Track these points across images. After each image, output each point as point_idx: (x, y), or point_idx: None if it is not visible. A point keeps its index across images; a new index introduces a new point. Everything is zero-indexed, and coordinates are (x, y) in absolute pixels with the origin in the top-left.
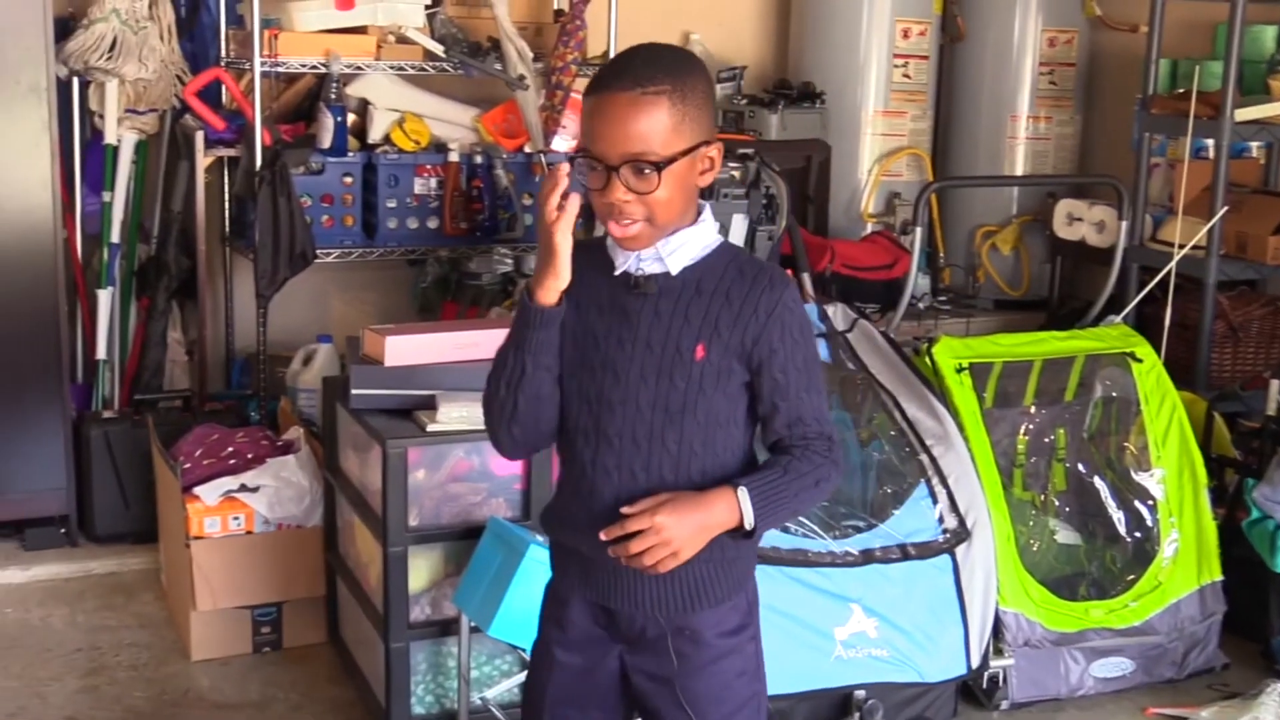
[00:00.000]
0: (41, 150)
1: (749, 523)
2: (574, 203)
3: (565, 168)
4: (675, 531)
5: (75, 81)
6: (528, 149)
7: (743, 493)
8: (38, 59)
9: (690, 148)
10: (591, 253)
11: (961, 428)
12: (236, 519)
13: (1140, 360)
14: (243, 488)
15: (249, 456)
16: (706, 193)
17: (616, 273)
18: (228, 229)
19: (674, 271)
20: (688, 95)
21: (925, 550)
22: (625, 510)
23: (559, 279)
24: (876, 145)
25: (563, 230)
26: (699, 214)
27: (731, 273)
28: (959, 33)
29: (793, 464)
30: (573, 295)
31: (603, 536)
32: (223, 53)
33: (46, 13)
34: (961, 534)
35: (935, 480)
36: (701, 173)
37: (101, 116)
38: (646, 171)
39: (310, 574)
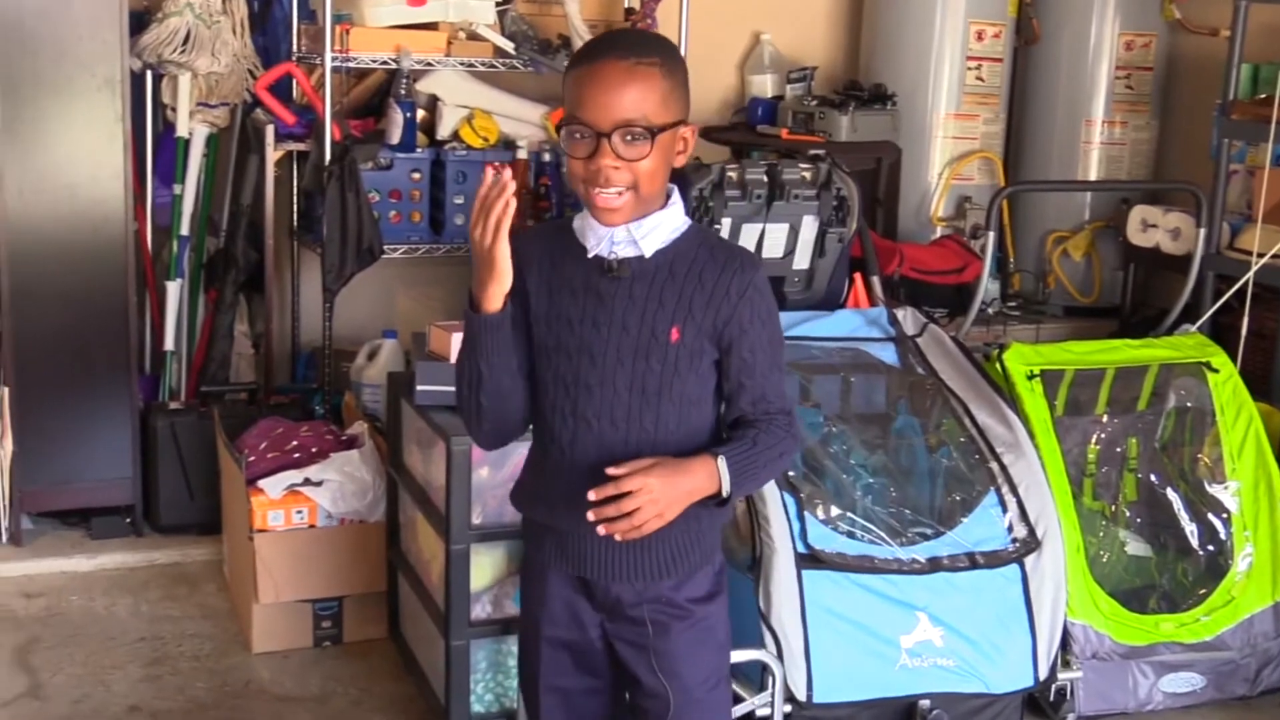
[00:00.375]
0: (115, 143)
1: (726, 490)
2: (511, 206)
3: (507, 171)
4: (662, 493)
5: (148, 75)
6: None
7: (722, 462)
8: (113, 52)
9: (677, 121)
10: (560, 235)
11: (1032, 435)
12: (300, 513)
13: (1216, 370)
14: (306, 482)
15: (313, 450)
16: (778, 192)
17: (590, 256)
18: (295, 223)
19: (647, 254)
20: (674, 72)
21: (994, 559)
22: (613, 471)
23: (502, 284)
24: (947, 148)
25: (503, 237)
26: (669, 197)
27: (703, 255)
28: (1034, 35)
29: (760, 436)
30: (543, 280)
31: (592, 495)
32: (294, 47)
33: (122, 6)
34: (1031, 544)
35: (1005, 488)
36: (678, 153)
37: (174, 110)
38: (638, 138)
39: (371, 569)
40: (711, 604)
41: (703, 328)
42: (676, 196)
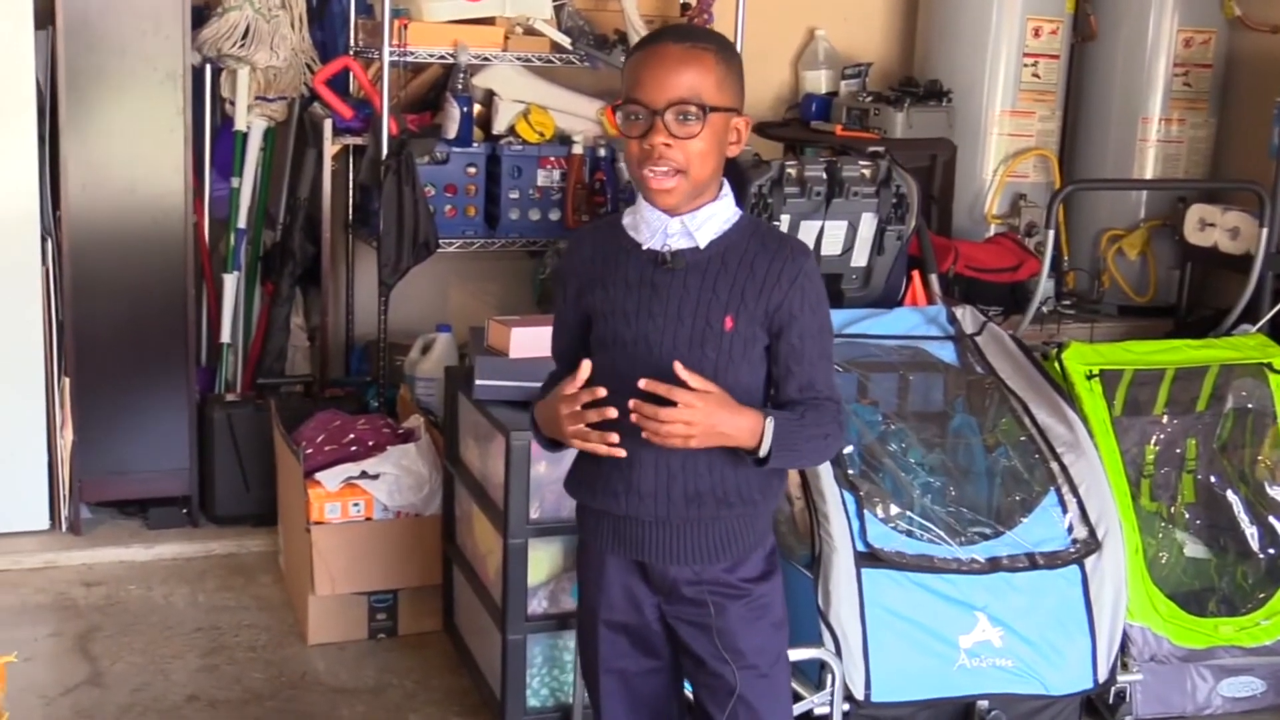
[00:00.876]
0: (175, 136)
1: (764, 449)
2: (594, 416)
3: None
4: (701, 417)
5: (207, 68)
6: None
7: (769, 422)
8: (175, 47)
9: (730, 107)
10: (610, 231)
11: (1091, 435)
12: (356, 505)
13: (1278, 371)
14: (363, 474)
15: (370, 444)
16: (837, 189)
17: (645, 249)
18: (351, 217)
19: (702, 245)
20: (729, 60)
21: (1053, 560)
22: (681, 372)
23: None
24: (1003, 145)
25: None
26: (722, 189)
27: (754, 245)
28: (1091, 32)
29: (809, 414)
30: (596, 277)
31: (643, 384)
32: (351, 42)
33: (185, 2)
34: (1091, 544)
35: (1065, 489)
36: (731, 143)
37: (232, 103)
38: (691, 117)
39: (427, 562)
40: (766, 583)
41: (755, 315)
42: (728, 188)
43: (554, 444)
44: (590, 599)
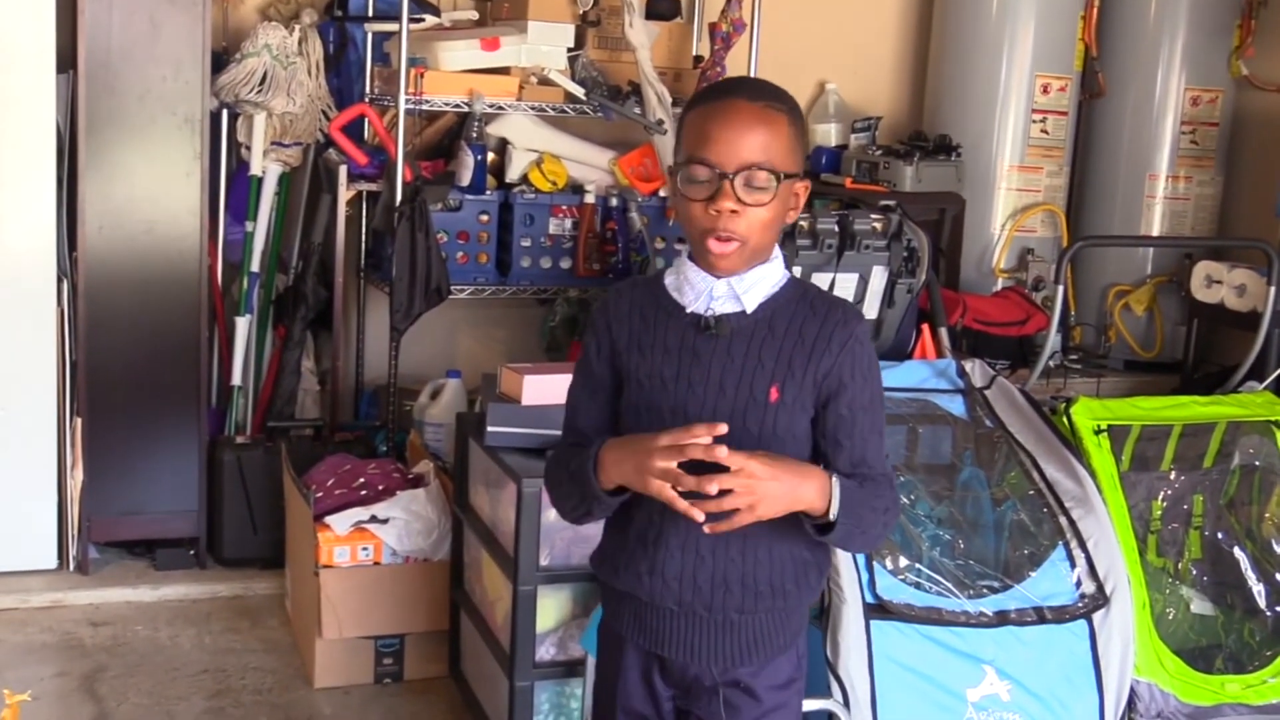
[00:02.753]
0: (192, 180)
1: (834, 512)
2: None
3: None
4: (764, 484)
5: (224, 113)
6: (663, 193)
7: (836, 480)
8: (194, 92)
9: (798, 173)
10: (650, 291)
11: (1100, 490)
12: (365, 549)
13: None
14: (373, 519)
15: (380, 488)
16: (849, 242)
17: (688, 313)
18: (364, 262)
19: (750, 309)
20: (798, 122)
21: (1061, 614)
22: (723, 456)
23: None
24: (1011, 200)
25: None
26: (771, 250)
27: (803, 309)
28: (1099, 89)
29: (867, 484)
30: (634, 338)
31: (699, 514)
32: (368, 89)
33: (205, 48)
34: (1099, 600)
35: (1074, 543)
36: (791, 208)
37: (248, 148)
38: (763, 183)
39: (435, 607)
40: (788, 691)
41: (803, 385)
42: (777, 250)
43: (587, 502)
44: (608, 681)
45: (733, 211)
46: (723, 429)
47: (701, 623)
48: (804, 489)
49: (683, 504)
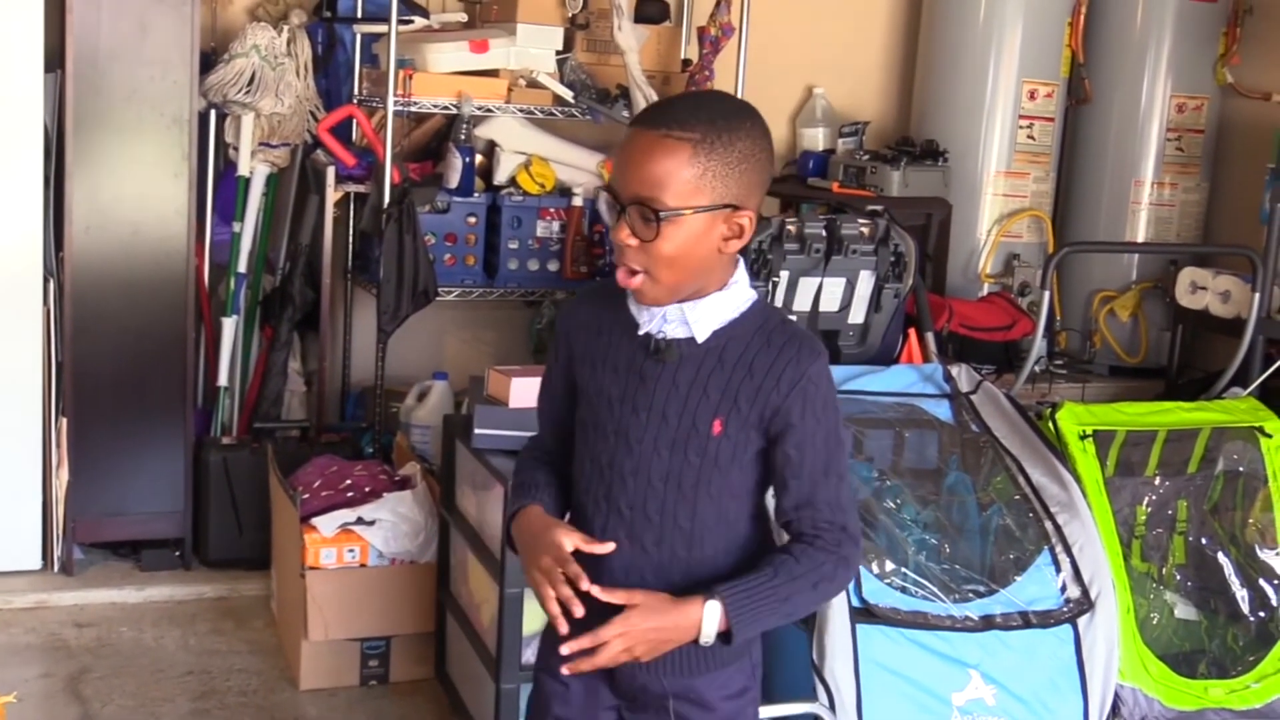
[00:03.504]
0: (180, 181)
1: (704, 639)
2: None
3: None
4: (638, 636)
5: (212, 114)
6: None
7: (711, 608)
8: (183, 93)
9: (709, 206)
10: (610, 302)
11: (1085, 495)
12: (352, 551)
13: (1270, 435)
14: (359, 520)
15: (366, 490)
16: (836, 247)
17: (640, 333)
18: (351, 263)
19: (700, 338)
20: (718, 150)
21: (1046, 619)
22: (593, 590)
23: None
24: (997, 205)
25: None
26: (733, 276)
27: (758, 341)
28: (1085, 95)
29: (786, 565)
30: (587, 352)
31: (564, 649)
32: (356, 90)
33: (194, 48)
34: (1084, 604)
35: (1059, 548)
36: (725, 239)
37: (236, 148)
38: (650, 219)
39: (421, 610)
40: (740, 700)
41: (748, 420)
42: (740, 274)
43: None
44: (545, 687)
45: (629, 243)
46: (610, 547)
47: None
48: (675, 630)
49: (554, 608)
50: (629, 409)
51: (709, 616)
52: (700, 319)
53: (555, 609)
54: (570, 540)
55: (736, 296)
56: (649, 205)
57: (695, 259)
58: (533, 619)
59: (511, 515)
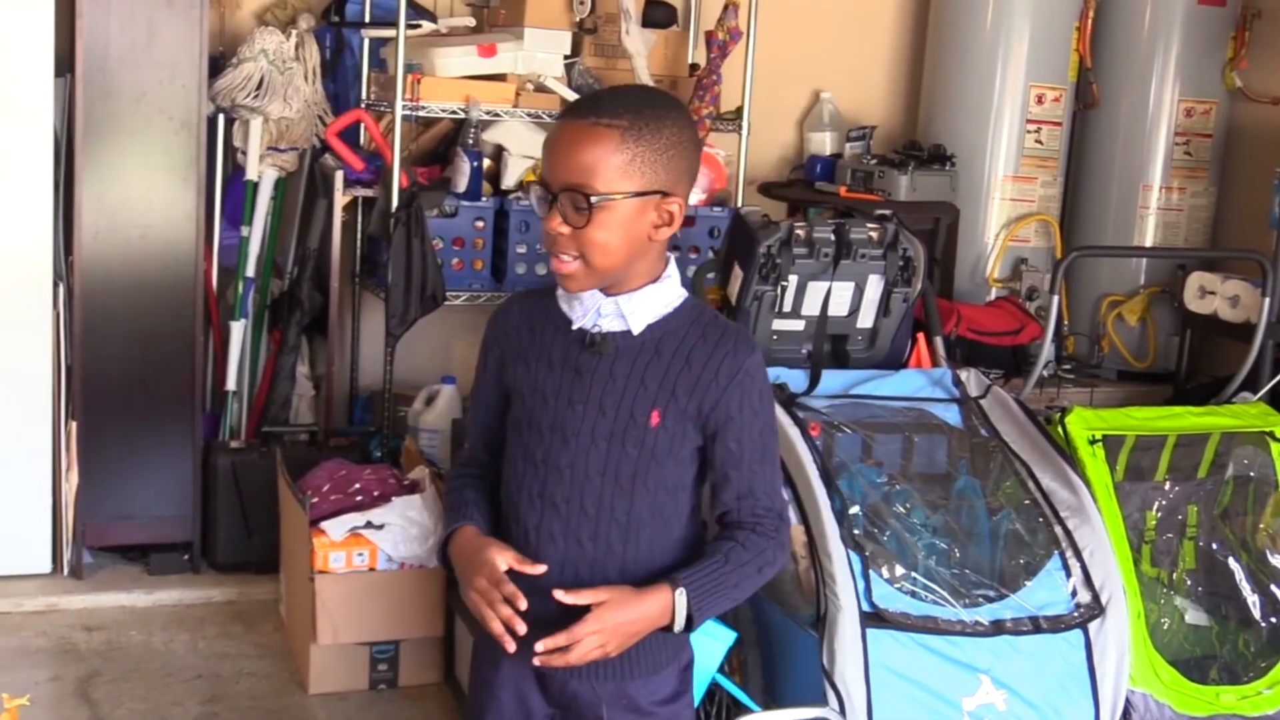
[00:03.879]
0: (189, 185)
1: (678, 626)
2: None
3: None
4: (610, 631)
5: (220, 118)
6: None
7: (680, 595)
8: (191, 97)
9: (638, 192)
10: (541, 302)
11: (1095, 500)
12: (361, 555)
13: (1279, 440)
14: (368, 525)
15: (375, 494)
16: (845, 251)
17: (574, 328)
18: (359, 267)
19: (635, 331)
20: (645, 137)
21: (1057, 624)
22: (562, 597)
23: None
24: (1004, 210)
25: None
26: (664, 269)
27: (694, 335)
28: (1093, 99)
29: (735, 551)
30: (520, 350)
31: (539, 647)
32: (364, 95)
33: (203, 52)
34: (1095, 609)
35: (1069, 553)
36: (656, 226)
37: (244, 153)
38: (582, 206)
39: (430, 614)
40: (675, 704)
41: (686, 412)
42: (672, 269)
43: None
44: (479, 700)
45: (561, 232)
46: (541, 569)
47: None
48: (646, 619)
49: (497, 628)
50: (564, 403)
51: (680, 604)
52: (636, 311)
53: (499, 629)
54: (504, 559)
55: (670, 291)
56: (580, 191)
57: (627, 245)
58: None
59: (445, 537)
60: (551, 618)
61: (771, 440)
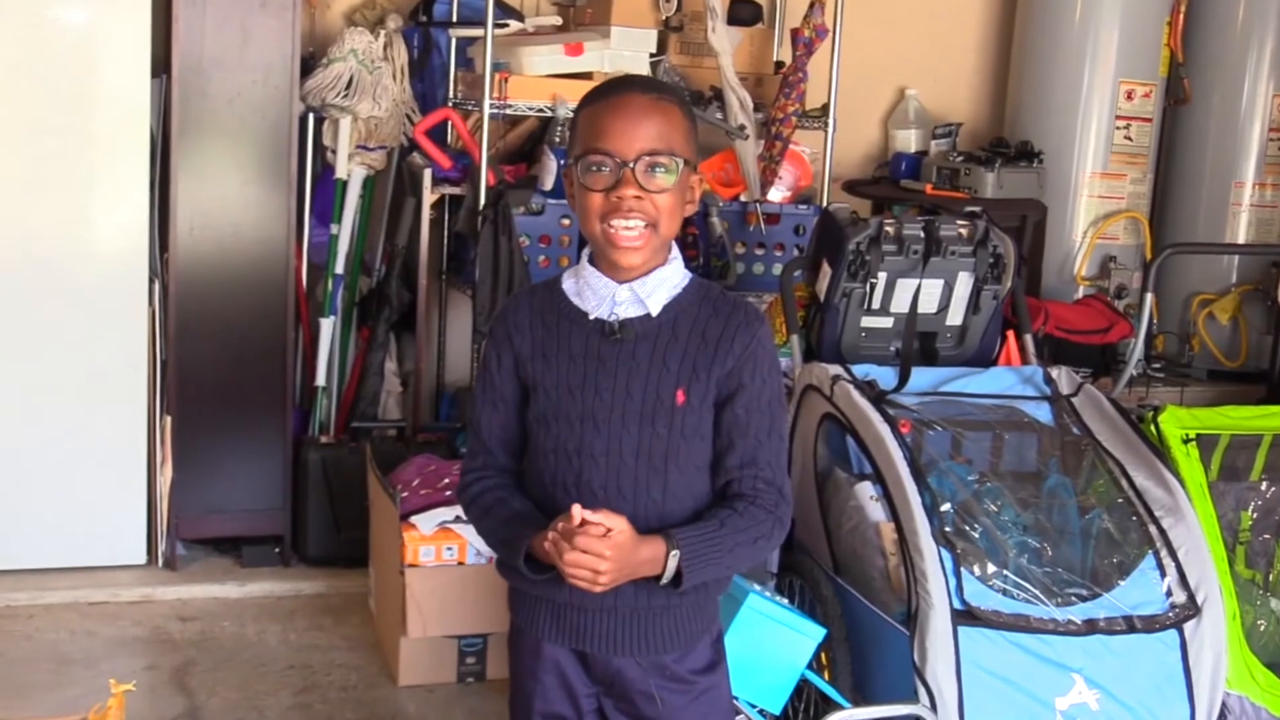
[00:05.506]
0: (280, 184)
1: (665, 579)
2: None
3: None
4: (610, 564)
5: (311, 117)
6: (743, 198)
7: (674, 555)
8: (284, 97)
9: (691, 162)
10: (549, 297)
11: (1189, 499)
12: (450, 549)
13: None
14: (458, 519)
15: None
16: (934, 248)
17: (591, 319)
18: (446, 265)
19: (654, 312)
20: (690, 118)
21: (1151, 624)
22: (586, 515)
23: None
24: (1093, 207)
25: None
26: (670, 251)
27: (705, 310)
28: (1185, 95)
29: (731, 519)
30: (537, 347)
31: (577, 514)
32: (451, 94)
33: (295, 53)
34: (1190, 610)
35: (1164, 552)
36: (687, 201)
37: (333, 151)
38: (662, 170)
39: None
40: (713, 674)
41: (708, 387)
42: (676, 250)
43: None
44: (524, 687)
45: (637, 198)
46: (619, 520)
47: (622, 618)
48: (639, 564)
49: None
50: (592, 392)
51: (671, 561)
52: (652, 293)
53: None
54: (575, 513)
55: (677, 272)
56: (660, 155)
57: (679, 215)
58: None
59: (523, 555)
60: (594, 605)
61: (780, 415)
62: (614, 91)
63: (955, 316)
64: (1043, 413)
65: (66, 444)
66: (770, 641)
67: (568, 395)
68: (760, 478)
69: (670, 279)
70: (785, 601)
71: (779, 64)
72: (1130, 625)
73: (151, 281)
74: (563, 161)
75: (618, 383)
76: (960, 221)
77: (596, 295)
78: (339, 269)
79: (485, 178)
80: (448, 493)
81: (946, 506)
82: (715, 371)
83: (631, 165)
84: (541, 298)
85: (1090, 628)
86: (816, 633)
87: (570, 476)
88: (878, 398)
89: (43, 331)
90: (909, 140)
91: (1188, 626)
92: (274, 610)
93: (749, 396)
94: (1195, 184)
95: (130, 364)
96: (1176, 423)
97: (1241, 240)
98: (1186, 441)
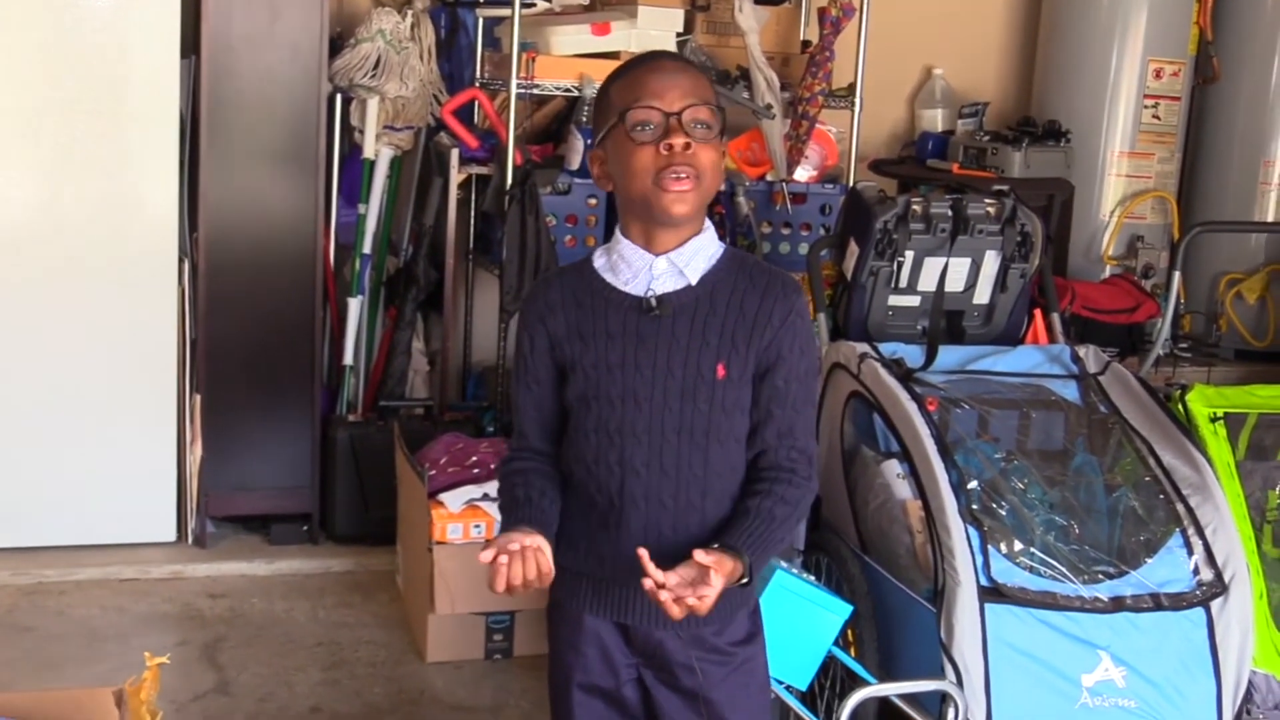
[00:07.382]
0: (308, 163)
1: (744, 582)
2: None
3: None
4: (714, 597)
5: (338, 97)
6: (770, 178)
7: (746, 559)
8: (311, 76)
9: (723, 135)
10: (581, 277)
11: (1217, 478)
12: (478, 527)
13: None
14: (485, 497)
15: (491, 467)
16: (962, 226)
17: (627, 294)
18: (473, 244)
19: (694, 281)
20: (715, 93)
21: (1178, 601)
22: (703, 559)
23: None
24: (1120, 186)
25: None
26: (703, 221)
27: (742, 281)
28: (1214, 74)
29: (776, 508)
30: (573, 327)
31: (667, 581)
32: (478, 74)
33: (323, 34)
34: (1217, 588)
35: (1191, 530)
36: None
37: (361, 131)
38: (704, 125)
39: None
40: (751, 645)
41: (747, 359)
42: (708, 220)
43: None
44: (564, 660)
45: (687, 145)
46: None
47: None
48: (728, 582)
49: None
50: (632, 370)
51: (747, 562)
52: (689, 261)
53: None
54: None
55: (711, 242)
56: (702, 106)
57: (720, 173)
58: None
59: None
60: (636, 581)
61: (813, 384)
62: (646, 60)
63: (982, 295)
64: (1070, 391)
65: (97, 422)
66: (798, 618)
67: (607, 374)
68: (795, 447)
69: (706, 248)
70: (812, 579)
71: (805, 43)
72: (1157, 603)
73: (181, 261)
74: (588, 142)
75: (658, 360)
76: (988, 200)
77: (632, 268)
78: (366, 249)
79: (512, 157)
80: (475, 470)
81: (973, 484)
82: (755, 344)
83: (678, 114)
84: (572, 279)
85: (1117, 605)
86: (843, 609)
87: (613, 455)
88: (905, 376)
89: (74, 311)
90: (935, 119)
91: (1214, 604)
92: (303, 587)
93: (789, 368)
94: (1224, 163)
95: (160, 343)
96: (1204, 401)
97: (1270, 219)
98: (1214, 420)
